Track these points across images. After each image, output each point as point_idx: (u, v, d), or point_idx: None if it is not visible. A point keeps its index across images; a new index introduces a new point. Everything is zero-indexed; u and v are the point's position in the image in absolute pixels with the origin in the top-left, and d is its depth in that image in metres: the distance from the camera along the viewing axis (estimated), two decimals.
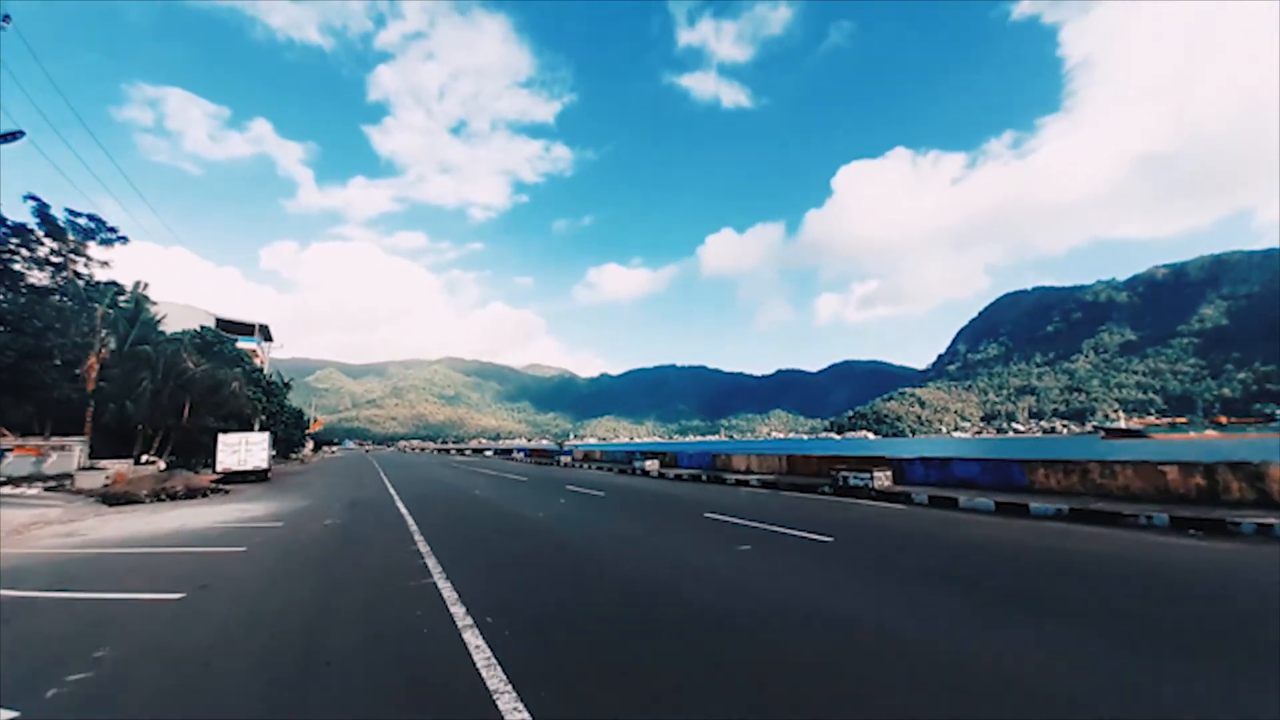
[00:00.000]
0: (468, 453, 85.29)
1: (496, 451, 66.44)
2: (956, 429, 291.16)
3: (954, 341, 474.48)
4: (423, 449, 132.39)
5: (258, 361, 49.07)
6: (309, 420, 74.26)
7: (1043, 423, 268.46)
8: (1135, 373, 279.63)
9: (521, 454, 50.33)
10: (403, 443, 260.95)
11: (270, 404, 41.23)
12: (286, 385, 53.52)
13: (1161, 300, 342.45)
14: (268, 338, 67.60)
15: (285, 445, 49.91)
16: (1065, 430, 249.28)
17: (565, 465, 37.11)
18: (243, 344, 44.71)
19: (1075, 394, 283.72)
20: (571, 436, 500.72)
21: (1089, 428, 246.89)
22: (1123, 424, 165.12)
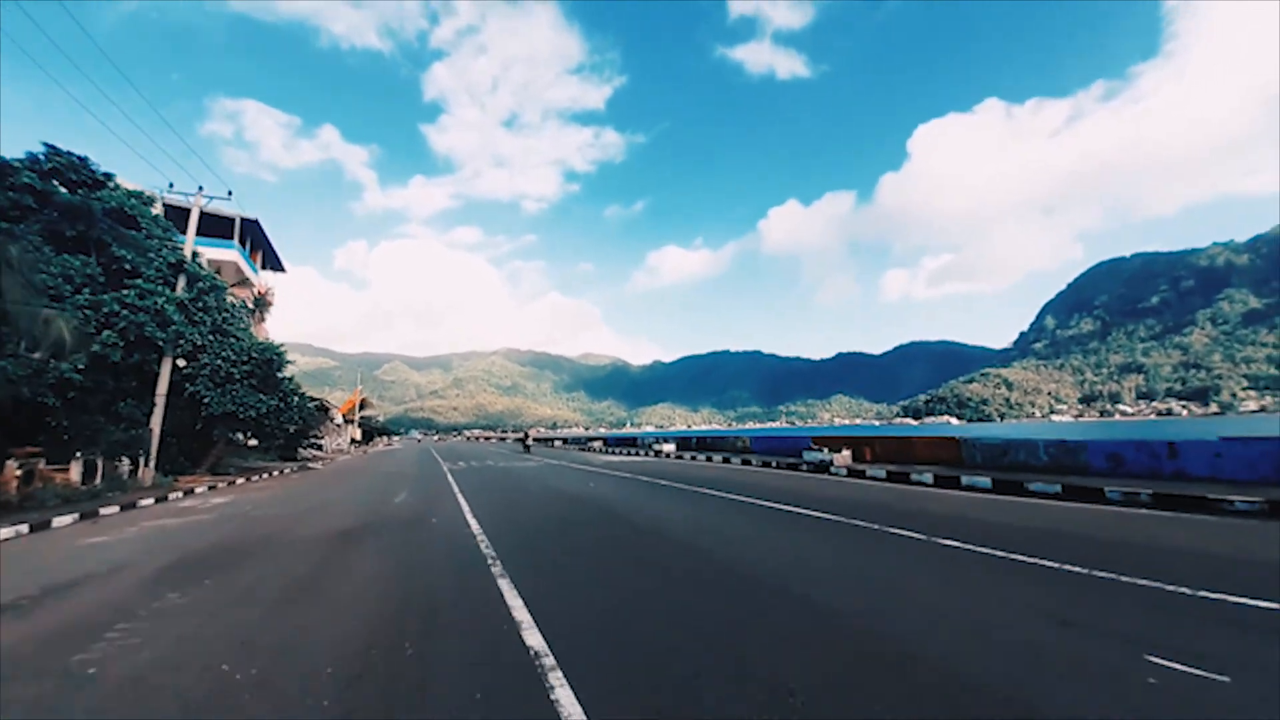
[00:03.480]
0: (525, 443, 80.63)
1: (568, 441, 59.51)
2: (1052, 412, 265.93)
3: (1039, 316, 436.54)
4: (487, 438, 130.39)
5: (244, 295, 24.37)
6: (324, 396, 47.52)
7: (1155, 404, 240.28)
8: (1265, 345, 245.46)
9: (601, 443, 44.40)
10: (468, 432, 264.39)
11: (208, 338, 17.84)
12: (259, 304, 24.84)
13: None
14: (267, 258, 36.66)
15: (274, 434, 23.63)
16: (1185, 412, 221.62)
17: (666, 456, 30.82)
18: (213, 253, 26.82)
19: (1192, 371, 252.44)
20: (628, 425, 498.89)
21: (1213, 409, 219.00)
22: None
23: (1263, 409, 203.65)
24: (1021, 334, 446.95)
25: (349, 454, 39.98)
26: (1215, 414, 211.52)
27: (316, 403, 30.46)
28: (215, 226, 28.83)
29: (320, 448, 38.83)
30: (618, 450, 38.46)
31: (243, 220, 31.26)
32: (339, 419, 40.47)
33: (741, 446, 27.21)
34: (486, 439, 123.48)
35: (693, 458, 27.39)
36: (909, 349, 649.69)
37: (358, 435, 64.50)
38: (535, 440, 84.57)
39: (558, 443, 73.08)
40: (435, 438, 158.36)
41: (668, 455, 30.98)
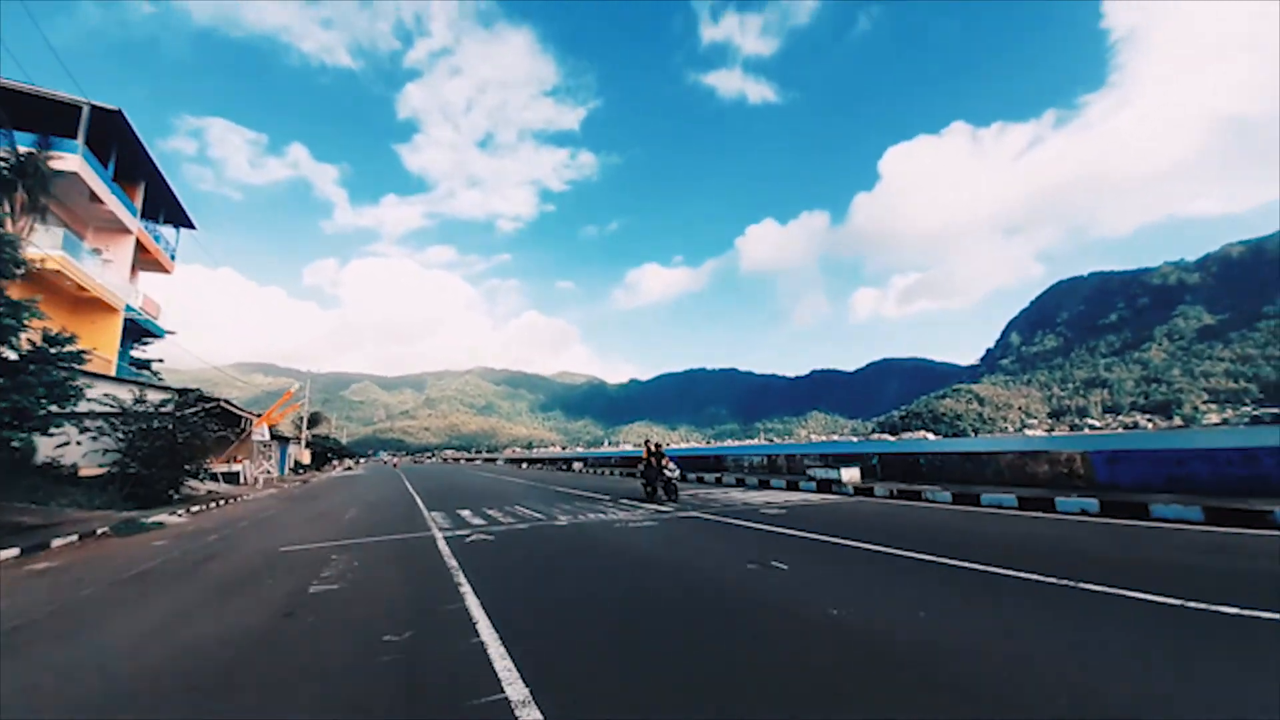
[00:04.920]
0: (498, 462, 75.38)
1: (550, 461, 54.72)
2: (1024, 426, 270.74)
3: (1005, 333, 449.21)
4: (470, 460, 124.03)
5: (114, 245, 21.55)
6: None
7: (1121, 417, 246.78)
8: (1221, 359, 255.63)
9: (581, 464, 39.95)
10: (444, 453, 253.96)
11: None
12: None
13: (1239, 280, 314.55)
14: (158, 198, 25.90)
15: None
16: (1151, 425, 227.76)
17: (673, 476, 27.27)
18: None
19: (1154, 385, 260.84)
20: (605, 443, 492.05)
21: (1176, 422, 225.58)
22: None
23: (1225, 422, 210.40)
24: (989, 350, 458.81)
25: (279, 487, 26.72)
26: (1179, 427, 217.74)
27: (209, 405, 19.96)
28: (43, 115, 18.09)
29: (233, 478, 25.91)
30: (599, 470, 34.62)
31: (95, 111, 19.17)
32: (262, 433, 27.70)
33: (742, 465, 23.83)
34: (470, 460, 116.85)
35: (699, 479, 24.17)
36: (881, 365, 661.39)
37: (305, 458, 52.78)
38: (508, 461, 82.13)
39: (533, 463, 68.42)
40: (404, 459, 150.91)
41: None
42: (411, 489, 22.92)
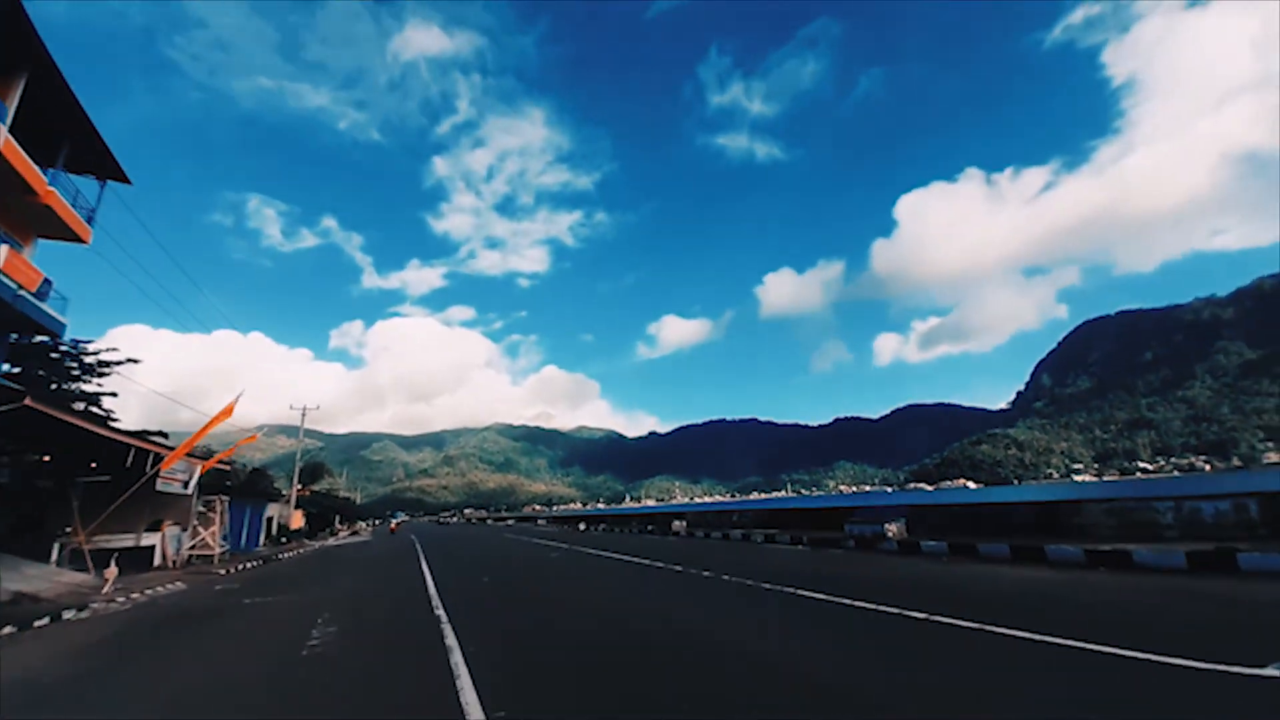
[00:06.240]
0: (538, 523, 69.41)
1: (581, 521, 48.24)
2: (1069, 472, 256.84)
3: (1033, 376, 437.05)
4: (499, 519, 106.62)
5: None
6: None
7: (1174, 459, 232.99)
8: (1270, 395, 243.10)
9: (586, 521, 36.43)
10: (468, 511, 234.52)
11: None
12: None
13: (1275, 313, 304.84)
14: (54, 122, 16.20)
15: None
16: (1208, 466, 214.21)
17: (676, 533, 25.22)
18: None
19: (1204, 424, 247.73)
20: (626, 499, 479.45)
21: (1235, 462, 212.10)
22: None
23: None
24: (1019, 393, 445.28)
25: (204, 577, 17.46)
26: (1239, 467, 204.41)
27: (55, 419, 12.63)
28: None
29: (143, 558, 18.48)
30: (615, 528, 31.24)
31: None
32: (184, 477, 18.31)
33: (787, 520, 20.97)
34: (500, 520, 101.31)
35: (724, 536, 22.87)
36: (905, 412, 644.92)
37: (297, 521, 40.30)
38: (554, 521, 68.70)
39: (541, 521, 64.04)
40: (421, 519, 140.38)
41: (676, 533, 29.03)
42: (441, 606, 10.39)
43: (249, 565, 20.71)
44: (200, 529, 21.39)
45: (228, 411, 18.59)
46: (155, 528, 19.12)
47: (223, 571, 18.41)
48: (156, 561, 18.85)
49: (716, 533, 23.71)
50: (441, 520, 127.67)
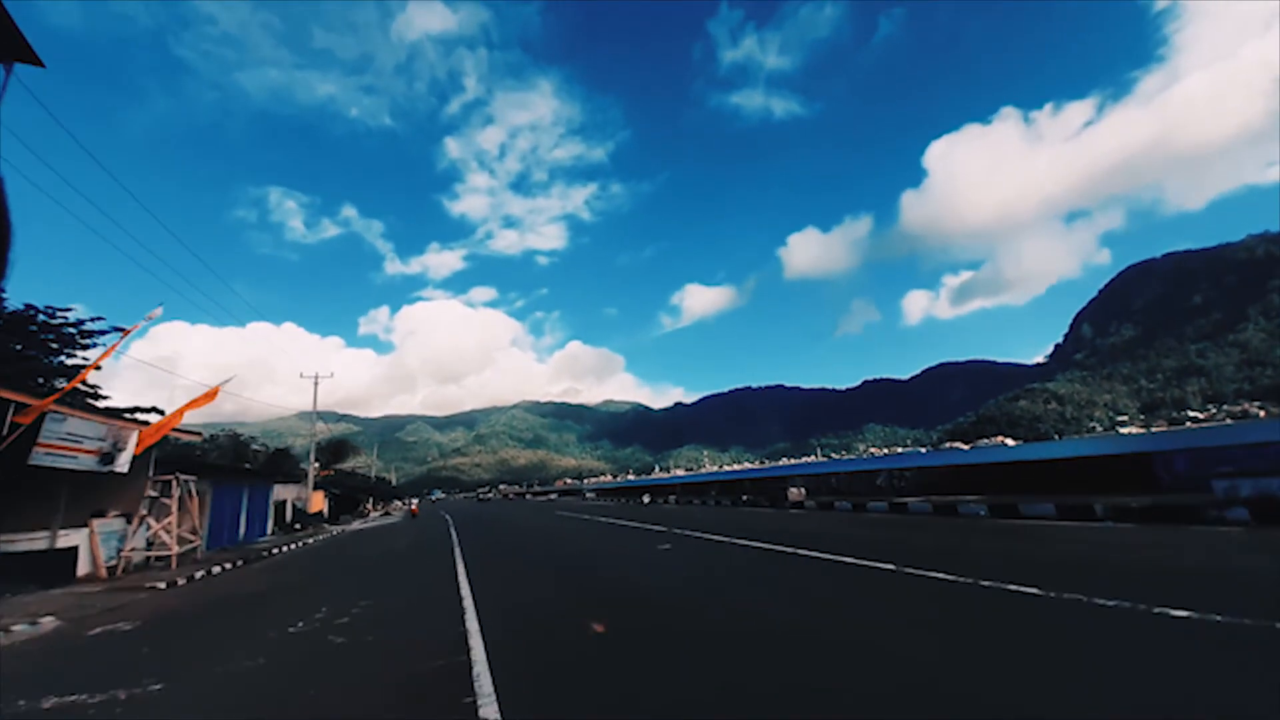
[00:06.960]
0: (585, 496, 66.60)
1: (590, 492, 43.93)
2: (1113, 425, 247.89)
3: (1074, 326, 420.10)
4: (541, 494, 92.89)
5: None
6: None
7: (1227, 407, 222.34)
8: None
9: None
10: (503, 487, 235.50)
11: None
12: None
13: None
14: None
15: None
16: (1262, 413, 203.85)
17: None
18: None
19: (1258, 369, 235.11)
20: (655, 469, 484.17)
21: None
22: None
23: None
24: (1057, 346, 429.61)
25: (133, 595, 10.98)
26: None
27: None
28: None
29: (61, 567, 12.92)
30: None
31: None
32: (99, 447, 12.57)
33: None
34: (540, 495, 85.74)
35: (890, 507, 16.41)
36: (939, 370, 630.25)
37: (317, 504, 36.62)
38: (559, 494, 58.40)
39: (589, 494, 59.63)
40: (456, 497, 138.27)
41: (797, 503, 22.60)
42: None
43: (220, 569, 14.96)
44: (152, 521, 15.62)
45: (211, 395, 16.17)
46: (85, 522, 13.93)
47: (163, 585, 12.13)
48: (82, 570, 13.41)
49: (878, 501, 16.56)
50: (481, 497, 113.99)
